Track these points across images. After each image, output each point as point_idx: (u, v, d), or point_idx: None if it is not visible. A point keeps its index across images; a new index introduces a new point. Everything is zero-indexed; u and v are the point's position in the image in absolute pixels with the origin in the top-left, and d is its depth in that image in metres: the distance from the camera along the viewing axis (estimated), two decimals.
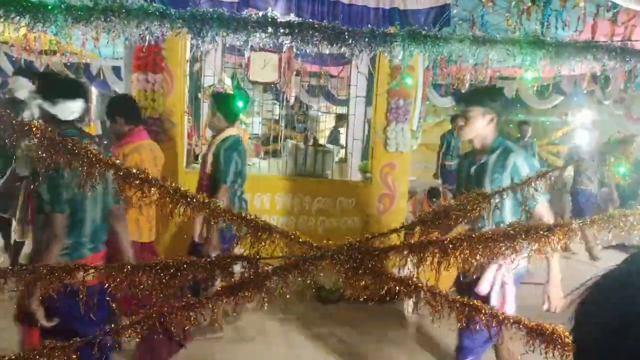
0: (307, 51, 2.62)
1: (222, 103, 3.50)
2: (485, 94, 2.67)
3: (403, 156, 4.74)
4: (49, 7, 1.83)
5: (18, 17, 1.84)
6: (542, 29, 4.11)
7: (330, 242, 1.52)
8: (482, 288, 2.33)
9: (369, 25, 2.22)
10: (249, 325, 3.82)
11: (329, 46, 2.12)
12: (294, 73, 5.96)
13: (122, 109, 3.14)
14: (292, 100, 6.56)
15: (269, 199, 4.67)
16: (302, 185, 4.75)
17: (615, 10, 4.07)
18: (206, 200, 1.56)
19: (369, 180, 4.81)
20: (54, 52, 7.93)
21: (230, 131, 3.45)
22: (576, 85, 8.04)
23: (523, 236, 1.45)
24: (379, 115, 4.68)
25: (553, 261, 2.40)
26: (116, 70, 8.88)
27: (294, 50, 3.72)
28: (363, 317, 4.03)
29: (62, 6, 1.83)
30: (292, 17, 2.62)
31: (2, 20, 1.83)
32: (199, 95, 5.39)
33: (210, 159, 3.40)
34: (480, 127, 2.55)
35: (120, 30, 1.93)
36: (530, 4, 4.08)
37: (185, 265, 1.48)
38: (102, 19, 1.90)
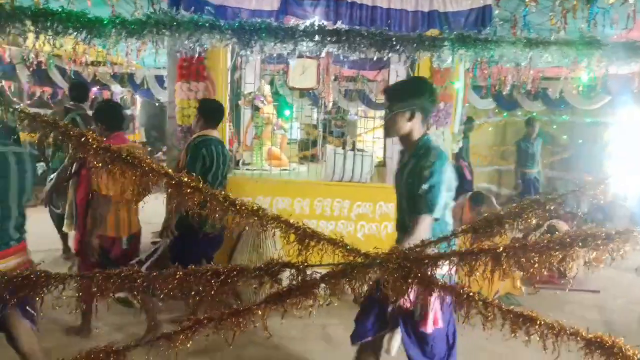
0: (345, 56, 2.58)
1: (205, 108, 3.61)
2: (403, 88, 2.45)
3: None
4: (104, 22, 1.91)
5: (75, 33, 1.94)
6: (588, 27, 3.95)
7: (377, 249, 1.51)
8: None
9: (415, 30, 2.17)
10: (289, 327, 3.84)
11: (377, 52, 2.10)
12: (333, 78, 5.98)
13: (103, 116, 3.30)
14: (330, 105, 6.59)
15: (308, 204, 4.69)
16: (341, 189, 4.75)
17: None
18: (255, 208, 1.58)
19: None
20: (100, 63, 8.27)
21: (208, 132, 3.54)
22: (624, 85, 7.71)
23: (580, 244, 1.40)
24: None
25: None
26: (159, 79, 9.14)
27: (334, 55, 3.73)
28: None
29: (117, 21, 1.92)
30: (339, 25, 2.57)
31: (61, 35, 1.93)
32: (239, 102, 5.48)
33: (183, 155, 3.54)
34: (401, 124, 2.35)
35: (171, 42, 1.99)
36: (575, 2, 3.93)
37: (235, 272, 1.51)
38: (154, 32, 1.97)
